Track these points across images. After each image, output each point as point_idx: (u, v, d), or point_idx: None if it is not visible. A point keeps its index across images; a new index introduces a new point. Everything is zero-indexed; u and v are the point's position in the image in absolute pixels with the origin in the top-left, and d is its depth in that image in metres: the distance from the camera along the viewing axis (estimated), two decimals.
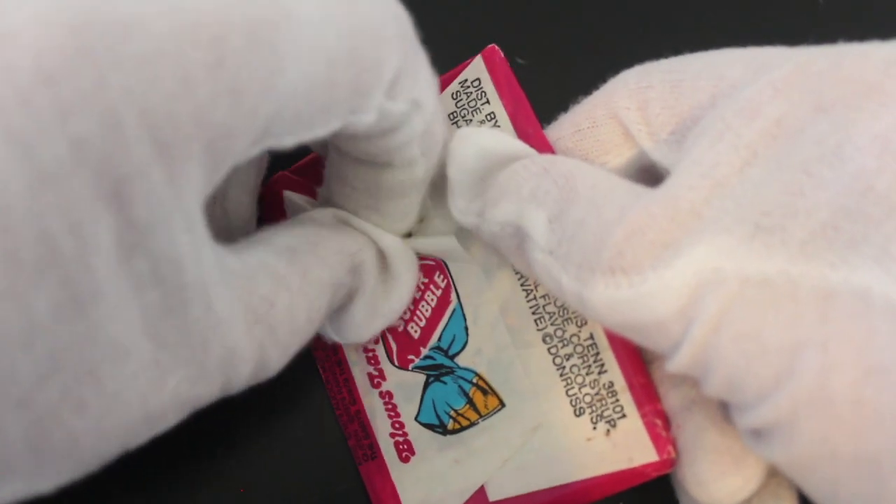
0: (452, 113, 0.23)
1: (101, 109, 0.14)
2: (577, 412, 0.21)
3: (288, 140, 0.17)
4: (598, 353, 0.21)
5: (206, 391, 0.17)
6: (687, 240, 0.17)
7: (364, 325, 0.22)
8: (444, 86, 0.23)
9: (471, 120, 0.23)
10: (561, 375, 0.21)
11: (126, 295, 0.15)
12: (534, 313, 0.22)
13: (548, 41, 0.27)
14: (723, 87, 0.19)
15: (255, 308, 0.18)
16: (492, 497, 0.22)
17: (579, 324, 0.21)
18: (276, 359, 0.19)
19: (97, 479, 0.24)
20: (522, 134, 0.22)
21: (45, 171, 0.13)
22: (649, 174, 0.21)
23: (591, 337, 0.21)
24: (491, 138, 0.21)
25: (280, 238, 0.20)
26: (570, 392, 0.21)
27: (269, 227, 0.20)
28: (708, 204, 0.17)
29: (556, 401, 0.21)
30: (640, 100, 0.20)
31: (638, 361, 0.21)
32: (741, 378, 0.17)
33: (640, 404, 0.21)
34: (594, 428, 0.21)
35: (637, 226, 0.17)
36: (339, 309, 0.22)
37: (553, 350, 0.22)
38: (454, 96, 0.23)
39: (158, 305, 0.15)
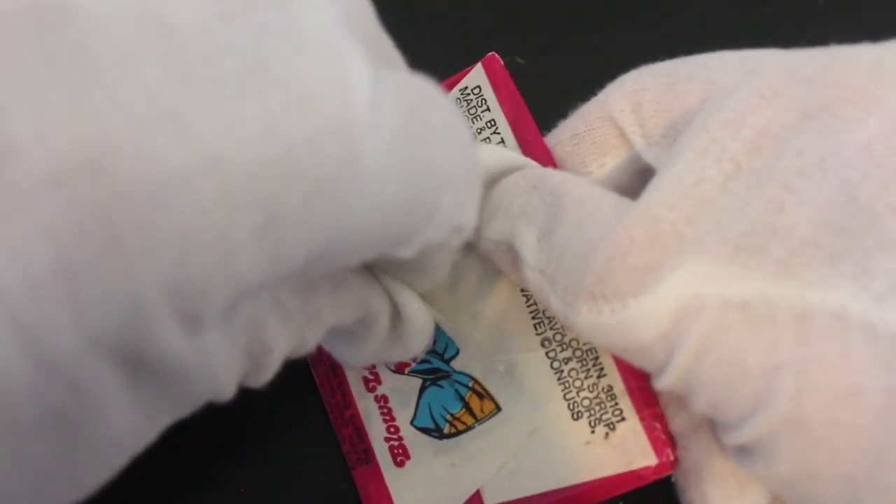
0: None
1: (125, 303, 0.12)
2: (575, 416, 0.21)
3: (317, 269, 0.15)
4: (597, 358, 0.21)
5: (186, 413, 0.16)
6: (668, 263, 0.17)
7: (354, 361, 0.21)
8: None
9: (471, 126, 0.23)
10: (559, 379, 0.21)
11: (129, 408, 0.14)
12: (533, 318, 0.22)
13: (548, 41, 0.27)
14: (713, 92, 0.19)
15: (253, 352, 0.17)
16: (488, 501, 0.22)
17: None
18: (258, 381, 0.18)
19: None
20: (522, 141, 0.22)
21: (54, 362, 0.12)
22: (647, 176, 0.21)
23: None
24: (486, 154, 0.21)
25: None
26: (568, 396, 0.21)
27: None
28: (690, 224, 0.17)
29: (554, 404, 0.21)
30: (635, 102, 0.21)
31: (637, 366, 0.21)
32: (723, 400, 0.17)
33: (639, 408, 0.21)
34: (592, 431, 0.21)
35: (617, 250, 0.17)
36: (335, 336, 0.21)
37: (551, 354, 0.22)
38: (454, 103, 0.23)
39: (162, 405, 0.14)
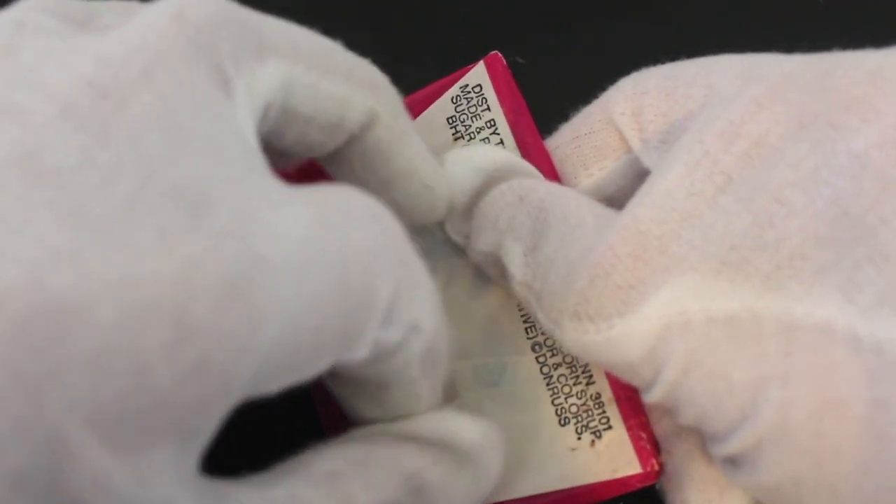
0: (451, 117, 0.23)
1: (41, 435, 0.12)
2: (562, 422, 0.21)
3: (271, 387, 0.15)
4: (586, 365, 0.21)
5: None
6: (652, 280, 0.17)
7: None
8: (444, 89, 0.23)
9: (470, 125, 0.23)
10: (548, 385, 0.21)
11: None
12: (525, 322, 0.22)
13: (548, 41, 0.27)
14: (712, 98, 0.19)
15: None
16: None
17: None
18: None
19: None
20: (521, 143, 0.22)
21: None
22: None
23: None
24: (484, 155, 0.21)
25: (321, 462, 0.16)
26: (556, 401, 0.21)
27: (313, 450, 0.17)
28: (676, 239, 0.17)
29: (542, 409, 0.21)
30: (635, 105, 0.20)
31: None
32: (710, 414, 0.17)
33: (626, 417, 0.21)
34: (579, 438, 0.21)
35: (601, 269, 0.17)
36: None
37: (541, 359, 0.22)
38: (454, 100, 0.23)
39: None
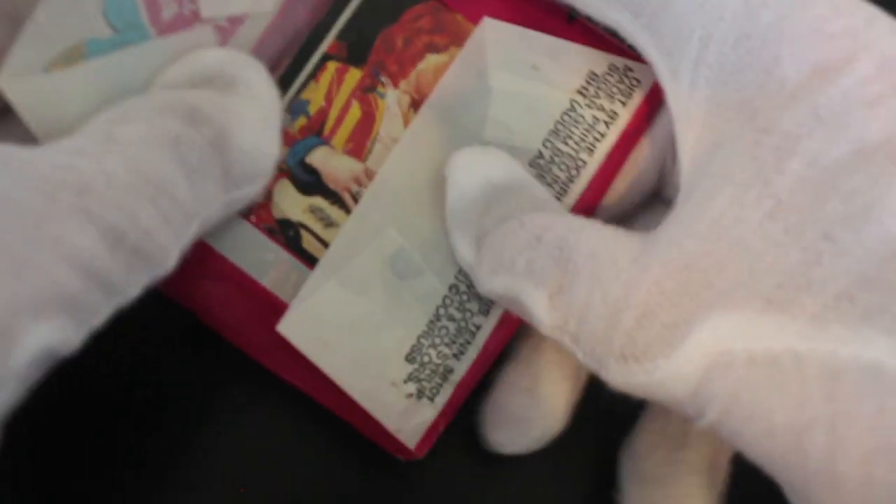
0: (594, 75, 0.21)
1: None
2: (410, 359, 0.21)
3: None
4: (467, 343, 0.21)
5: None
6: (698, 316, 0.16)
7: (260, 147, 0.19)
8: (612, 50, 0.21)
9: (598, 100, 0.21)
10: (428, 324, 0.21)
11: None
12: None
13: None
14: (771, 85, 0.17)
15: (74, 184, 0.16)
16: (280, 328, 0.21)
17: (482, 311, 0.21)
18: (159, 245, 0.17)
19: (98, 479, 0.23)
20: (610, 157, 0.21)
21: None
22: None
23: (478, 329, 0.21)
24: (499, 168, 0.20)
25: (95, 123, 0.18)
26: (423, 340, 0.21)
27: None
28: (721, 272, 0.16)
29: (406, 334, 0.21)
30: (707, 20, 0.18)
31: (482, 376, 0.21)
32: (755, 453, 0.17)
33: (450, 404, 0.21)
34: (405, 382, 0.21)
35: (648, 307, 0.17)
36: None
37: (447, 301, 0.21)
38: (611, 68, 0.22)
39: None
